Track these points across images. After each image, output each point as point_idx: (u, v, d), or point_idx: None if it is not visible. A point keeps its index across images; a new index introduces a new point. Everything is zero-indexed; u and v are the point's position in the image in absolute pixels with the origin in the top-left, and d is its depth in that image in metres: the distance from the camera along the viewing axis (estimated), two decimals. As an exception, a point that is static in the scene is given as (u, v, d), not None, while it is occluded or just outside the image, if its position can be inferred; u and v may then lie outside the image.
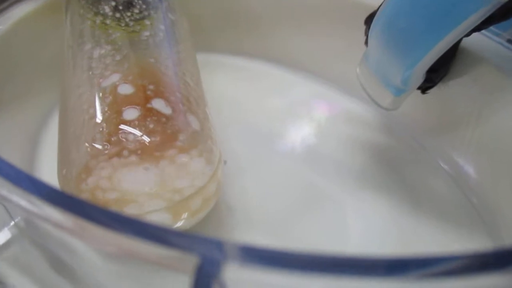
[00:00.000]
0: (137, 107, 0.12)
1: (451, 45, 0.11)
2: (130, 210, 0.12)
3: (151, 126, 0.12)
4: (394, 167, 0.17)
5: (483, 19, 0.10)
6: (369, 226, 0.15)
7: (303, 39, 0.21)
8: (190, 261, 0.06)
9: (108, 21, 0.15)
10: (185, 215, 0.13)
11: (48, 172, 0.15)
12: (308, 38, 0.21)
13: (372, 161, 0.18)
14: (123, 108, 0.12)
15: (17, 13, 0.17)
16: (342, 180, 0.17)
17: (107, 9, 0.15)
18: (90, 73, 0.13)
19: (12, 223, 0.09)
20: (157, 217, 0.12)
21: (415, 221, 0.15)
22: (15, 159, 0.15)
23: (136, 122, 0.11)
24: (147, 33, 0.15)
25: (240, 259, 0.06)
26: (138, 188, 0.12)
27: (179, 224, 0.13)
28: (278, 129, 0.19)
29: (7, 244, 0.09)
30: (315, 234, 0.15)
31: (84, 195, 0.12)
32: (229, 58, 0.22)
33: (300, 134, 0.19)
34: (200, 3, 0.22)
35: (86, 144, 0.12)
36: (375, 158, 0.18)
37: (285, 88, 0.22)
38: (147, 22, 0.15)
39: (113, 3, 0.15)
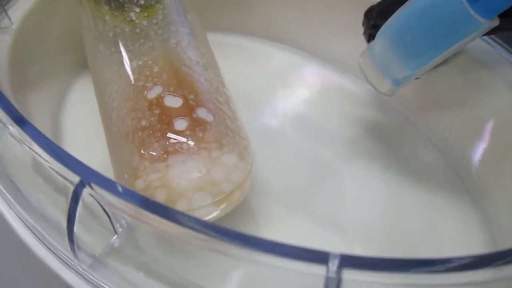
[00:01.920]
0: (185, 118, 0.14)
1: (452, 54, 0.13)
2: (181, 207, 0.14)
3: (200, 135, 0.14)
4: (386, 139, 0.20)
5: (480, 36, 0.13)
6: (365, 192, 0.18)
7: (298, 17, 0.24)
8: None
9: (138, 30, 0.16)
10: (223, 206, 0.15)
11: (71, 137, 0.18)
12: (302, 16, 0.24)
13: (367, 134, 0.20)
14: (173, 120, 0.14)
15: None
16: (341, 151, 0.19)
17: (133, 16, 0.17)
18: (133, 84, 0.15)
19: (116, 235, 0.10)
20: (204, 211, 0.14)
21: (405, 186, 0.18)
22: (45, 124, 0.18)
23: (188, 132, 0.14)
24: (174, 40, 0.16)
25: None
26: (185, 184, 0.14)
27: (217, 213, 0.15)
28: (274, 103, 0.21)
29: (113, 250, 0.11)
30: (326, 202, 0.17)
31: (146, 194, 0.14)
32: (221, 36, 0.24)
33: (295, 109, 0.22)
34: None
35: (143, 152, 0.14)
36: (369, 132, 0.21)
37: (274, 64, 0.24)
38: (172, 28, 0.17)
39: (138, 10, 0.17)
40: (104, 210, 0.10)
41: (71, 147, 0.17)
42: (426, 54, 0.14)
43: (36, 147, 0.10)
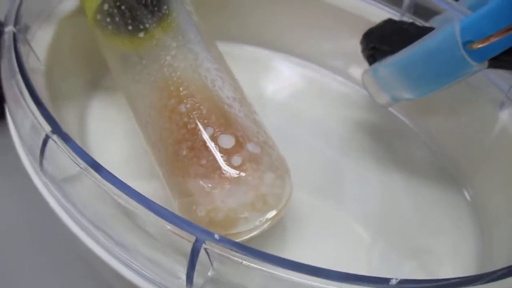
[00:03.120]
0: (240, 154, 0.16)
1: (450, 85, 0.17)
2: (241, 227, 0.17)
3: (254, 166, 0.16)
4: (382, 138, 0.24)
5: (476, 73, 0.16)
6: (364, 187, 0.21)
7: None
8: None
9: (178, 73, 0.18)
10: (270, 222, 0.18)
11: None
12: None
13: (366, 134, 0.24)
14: (230, 157, 0.16)
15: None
16: (344, 150, 0.23)
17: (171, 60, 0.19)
18: (187, 127, 0.17)
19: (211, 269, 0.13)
20: (259, 229, 0.17)
21: (399, 180, 0.22)
22: (72, 122, 0.21)
23: (243, 167, 0.16)
24: (210, 80, 0.19)
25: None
26: (242, 208, 0.17)
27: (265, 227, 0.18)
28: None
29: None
30: (348, 199, 0.21)
31: (205, 220, 0.17)
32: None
33: (294, 111, 0.24)
34: None
35: (203, 184, 0.16)
36: (366, 130, 0.24)
37: (274, 71, 0.27)
38: (208, 65, 0.19)
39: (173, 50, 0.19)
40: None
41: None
42: (427, 87, 0.17)
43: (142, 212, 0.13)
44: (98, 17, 0.20)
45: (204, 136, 0.17)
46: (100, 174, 0.14)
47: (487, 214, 0.19)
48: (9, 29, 0.19)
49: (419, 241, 0.20)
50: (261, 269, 0.12)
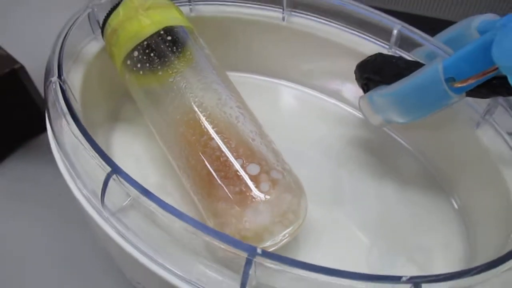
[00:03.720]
0: (266, 182, 0.20)
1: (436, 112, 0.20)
2: (267, 242, 0.20)
3: (278, 190, 0.20)
4: (377, 153, 0.27)
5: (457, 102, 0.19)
6: (362, 197, 0.25)
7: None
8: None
9: (208, 112, 0.21)
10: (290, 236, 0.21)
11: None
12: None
13: (362, 150, 0.27)
14: (259, 184, 0.19)
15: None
16: (344, 164, 0.26)
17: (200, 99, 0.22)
18: (221, 159, 0.20)
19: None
20: (284, 242, 0.20)
21: (393, 190, 0.25)
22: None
23: (270, 191, 0.19)
24: (235, 117, 0.22)
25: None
26: (269, 225, 0.20)
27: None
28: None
29: None
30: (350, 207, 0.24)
31: (237, 237, 0.20)
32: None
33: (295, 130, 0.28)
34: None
35: (238, 208, 0.19)
36: (362, 147, 0.27)
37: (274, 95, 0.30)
38: (231, 104, 0.22)
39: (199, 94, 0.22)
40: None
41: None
42: (416, 115, 0.21)
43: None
44: (128, 62, 0.23)
45: (235, 167, 0.20)
46: (159, 205, 0.17)
47: (471, 218, 0.23)
48: (54, 79, 0.21)
49: (413, 243, 0.23)
50: (293, 273, 0.16)
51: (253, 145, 0.21)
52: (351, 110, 0.29)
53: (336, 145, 0.27)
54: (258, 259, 0.16)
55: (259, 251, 0.16)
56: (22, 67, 0.32)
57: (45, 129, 0.22)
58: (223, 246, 0.16)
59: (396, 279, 0.15)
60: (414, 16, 0.38)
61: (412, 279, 0.15)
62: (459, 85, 0.18)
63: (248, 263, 0.15)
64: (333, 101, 0.30)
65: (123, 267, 0.22)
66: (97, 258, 0.27)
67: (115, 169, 0.18)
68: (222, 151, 0.20)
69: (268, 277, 0.16)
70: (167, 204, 0.17)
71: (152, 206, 0.17)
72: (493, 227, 0.20)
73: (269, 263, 0.16)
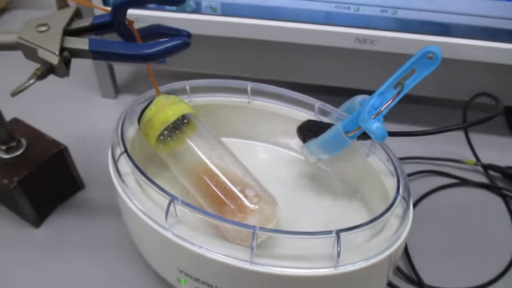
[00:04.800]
0: (254, 197, 0.35)
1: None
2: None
3: (260, 201, 0.35)
4: (315, 179, 0.43)
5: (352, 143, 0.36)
6: (311, 208, 0.40)
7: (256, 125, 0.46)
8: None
9: (214, 165, 0.37)
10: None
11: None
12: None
13: (304, 177, 0.43)
14: (250, 199, 0.34)
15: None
16: (296, 188, 0.42)
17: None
18: (227, 189, 0.35)
19: None
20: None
21: (329, 201, 0.41)
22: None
23: (256, 203, 0.34)
24: (227, 161, 0.37)
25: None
26: (256, 222, 0.34)
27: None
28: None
29: None
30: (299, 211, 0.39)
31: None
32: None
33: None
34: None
35: (239, 215, 0.34)
36: (305, 176, 0.43)
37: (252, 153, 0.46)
38: (225, 153, 0.38)
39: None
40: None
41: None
42: (332, 152, 0.37)
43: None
44: (161, 137, 0.38)
45: (235, 192, 0.35)
46: (200, 212, 0.31)
47: (369, 204, 0.39)
48: (121, 151, 0.35)
49: (342, 226, 0.38)
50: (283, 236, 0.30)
51: (243, 178, 0.36)
52: (297, 155, 0.45)
53: (290, 176, 0.43)
54: (258, 233, 0.30)
55: (258, 229, 0.30)
56: (66, 148, 0.46)
57: (76, 191, 0.36)
58: (241, 228, 0.30)
59: (328, 232, 0.30)
60: (331, 87, 0.57)
61: (336, 231, 0.30)
62: (351, 135, 0.35)
63: (254, 236, 0.30)
64: (285, 150, 0.46)
65: (174, 259, 0.35)
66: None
67: (173, 197, 0.32)
68: (226, 183, 0.35)
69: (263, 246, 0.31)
70: (209, 213, 0.31)
71: (197, 215, 0.31)
72: (378, 205, 0.36)
73: (263, 234, 0.31)
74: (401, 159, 0.53)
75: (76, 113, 0.61)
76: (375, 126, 0.32)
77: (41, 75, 0.30)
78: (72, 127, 0.51)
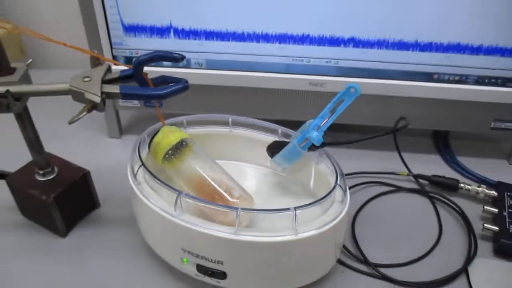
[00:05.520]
0: (238, 196, 0.48)
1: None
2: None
3: (241, 198, 0.48)
4: (281, 183, 0.57)
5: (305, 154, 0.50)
6: (276, 201, 0.54)
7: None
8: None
9: (208, 176, 0.50)
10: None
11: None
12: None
13: (273, 184, 0.57)
14: (234, 197, 0.48)
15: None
16: (263, 190, 0.56)
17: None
18: (218, 192, 0.48)
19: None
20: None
21: (291, 198, 0.54)
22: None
23: (239, 199, 0.48)
24: (217, 171, 0.51)
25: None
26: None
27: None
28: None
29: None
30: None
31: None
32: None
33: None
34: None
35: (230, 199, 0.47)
36: (274, 183, 0.57)
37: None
38: (209, 161, 0.52)
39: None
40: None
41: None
42: (292, 162, 0.52)
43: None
44: (166, 156, 0.51)
45: (222, 192, 0.49)
46: (205, 203, 0.44)
47: (315, 193, 0.53)
48: (138, 165, 0.49)
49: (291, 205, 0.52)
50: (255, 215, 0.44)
51: (227, 183, 0.50)
52: (268, 169, 0.59)
53: (263, 184, 0.57)
54: (240, 212, 0.43)
55: (240, 209, 0.44)
56: (89, 172, 0.59)
57: (93, 209, 0.50)
58: (228, 211, 0.44)
59: (288, 209, 0.44)
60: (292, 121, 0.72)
61: (294, 208, 0.44)
62: (302, 145, 0.50)
63: (237, 214, 0.43)
64: (259, 166, 0.60)
65: (180, 240, 0.47)
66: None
67: (180, 192, 0.45)
68: (215, 187, 0.49)
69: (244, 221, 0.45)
70: (206, 201, 0.45)
71: (202, 205, 0.45)
72: (322, 192, 0.50)
73: (245, 212, 0.44)
74: (349, 174, 0.68)
75: (87, 150, 0.74)
76: (314, 134, 0.47)
77: (88, 110, 0.44)
78: (85, 161, 0.64)
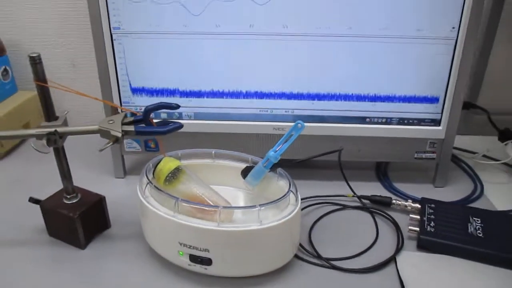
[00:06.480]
0: (223, 204, 0.66)
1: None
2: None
3: (224, 205, 0.66)
4: (252, 201, 0.74)
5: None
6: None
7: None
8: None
9: (200, 193, 0.68)
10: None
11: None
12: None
13: (245, 200, 0.75)
14: (219, 205, 0.66)
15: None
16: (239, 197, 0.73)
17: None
18: (208, 203, 0.66)
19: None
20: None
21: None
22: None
23: (221, 205, 0.66)
24: (204, 188, 0.69)
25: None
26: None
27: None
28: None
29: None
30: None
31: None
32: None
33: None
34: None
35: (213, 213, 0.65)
36: (249, 195, 0.75)
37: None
38: (200, 181, 0.70)
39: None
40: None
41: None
42: (258, 179, 0.71)
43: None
44: (167, 178, 0.70)
45: (211, 203, 0.66)
46: (198, 206, 0.62)
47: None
48: (146, 183, 0.67)
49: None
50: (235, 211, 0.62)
51: (214, 197, 0.68)
52: (242, 189, 0.77)
53: (239, 199, 0.75)
54: (222, 209, 0.61)
55: (221, 207, 0.62)
56: (104, 197, 0.77)
57: (106, 228, 0.70)
58: (213, 209, 0.61)
59: (255, 206, 0.61)
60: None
61: (259, 205, 0.61)
62: (265, 165, 0.69)
63: (219, 211, 0.61)
64: (235, 188, 0.78)
65: (177, 235, 0.64)
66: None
67: (177, 199, 0.63)
68: (205, 200, 0.67)
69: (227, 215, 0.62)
70: (198, 203, 0.63)
71: (196, 207, 0.62)
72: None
73: (226, 210, 0.62)
74: (307, 197, 0.86)
75: (97, 187, 0.91)
76: (271, 153, 0.66)
77: (113, 143, 0.63)
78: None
